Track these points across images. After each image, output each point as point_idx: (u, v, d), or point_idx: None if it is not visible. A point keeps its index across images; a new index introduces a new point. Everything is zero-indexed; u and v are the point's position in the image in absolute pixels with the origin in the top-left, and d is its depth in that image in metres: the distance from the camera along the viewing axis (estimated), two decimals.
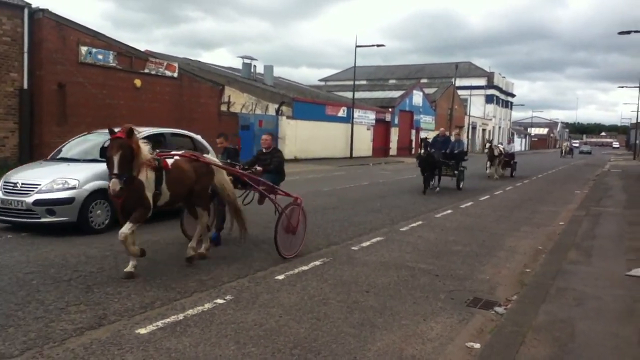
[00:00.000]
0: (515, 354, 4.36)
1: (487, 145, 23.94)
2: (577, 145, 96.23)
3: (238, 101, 31.90)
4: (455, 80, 63.35)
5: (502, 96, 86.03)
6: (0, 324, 4.74)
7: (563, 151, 60.90)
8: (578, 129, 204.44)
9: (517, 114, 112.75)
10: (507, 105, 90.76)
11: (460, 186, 17.80)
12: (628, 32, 28.67)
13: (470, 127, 68.39)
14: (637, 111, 54.45)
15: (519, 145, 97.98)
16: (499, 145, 24.83)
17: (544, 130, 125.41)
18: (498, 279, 6.96)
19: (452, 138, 19.61)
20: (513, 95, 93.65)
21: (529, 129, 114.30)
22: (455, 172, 17.90)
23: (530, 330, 4.86)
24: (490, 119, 79.07)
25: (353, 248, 8.39)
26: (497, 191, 18.17)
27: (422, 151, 16.02)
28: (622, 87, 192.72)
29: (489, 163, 23.81)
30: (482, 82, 77.60)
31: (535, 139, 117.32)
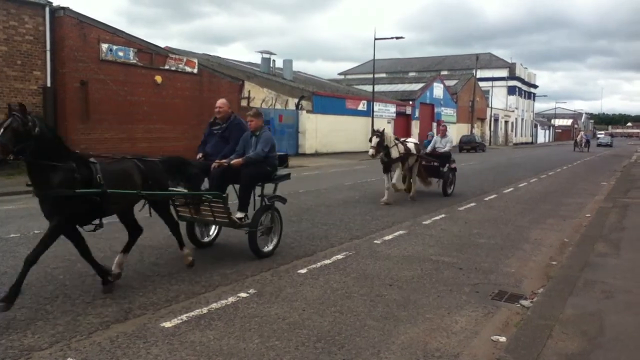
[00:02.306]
0: (543, 347, 4.29)
1: (375, 138, 12.19)
2: (601, 135, 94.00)
3: (258, 96, 31.97)
4: (476, 72, 62.62)
5: (525, 87, 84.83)
6: (30, 317, 4.82)
7: (577, 144, 52.39)
8: (603, 120, 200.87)
9: (540, 105, 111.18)
10: (530, 96, 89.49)
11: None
12: None
13: (493, 119, 67.59)
14: None
15: (542, 136, 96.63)
16: (409, 140, 13.67)
17: (568, 122, 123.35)
18: (524, 272, 6.86)
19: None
20: (536, 87, 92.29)
21: (552, 121, 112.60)
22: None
23: (558, 324, 4.78)
24: (513, 111, 78.03)
25: (376, 242, 8.35)
26: (521, 183, 17.94)
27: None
28: None
29: (385, 174, 12.88)
30: (503, 73, 76.62)
31: (560, 131, 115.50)
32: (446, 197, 13.85)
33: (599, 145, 69.29)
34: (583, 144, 51.51)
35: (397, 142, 12.72)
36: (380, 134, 12.21)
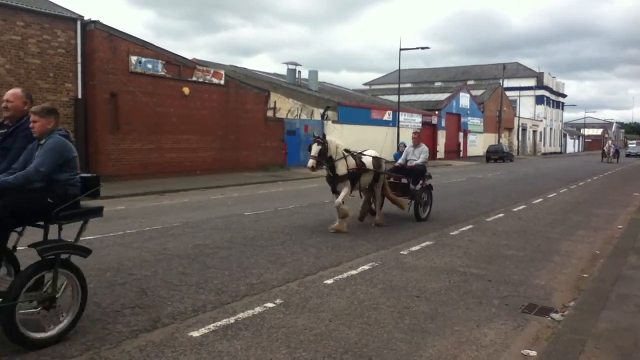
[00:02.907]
0: None
1: (316, 145, 9.96)
2: (632, 144, 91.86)
3: (284, 107, 32.16)
4: (503, 81, 62.07)
5: (553, 97, 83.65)
6: None
7: (605, 154, 48.20)
8: (634, 129, 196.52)
9: (569, 115, 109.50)
10: (558, 105, 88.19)
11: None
12: None
13: (520, 128, 66.77)
14: None
15: (571, 146, 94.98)
16: (366, 153, 11.20)
17: (598, 131, 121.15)
18: (554, 285, 6.73)
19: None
20: (564, 96, 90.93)
21: (581, 130, 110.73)
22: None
23: (590, 338, 4.67)
24: (541, 120, 76.98)
25: (402, 252, 8.28)
26: (550, 194, 17.65)
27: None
28: None
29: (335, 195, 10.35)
30: (531, 82, 75.68)
31: (589, 140, 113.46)
32: (473, 209, 13.66)
33: (628, 155, 66.00)
34: (611, 154, 47.70)
35: (347, 154, 10.25)
36: (322, 141, 9.85)
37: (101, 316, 5.16)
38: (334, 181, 10.15)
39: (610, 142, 52.16)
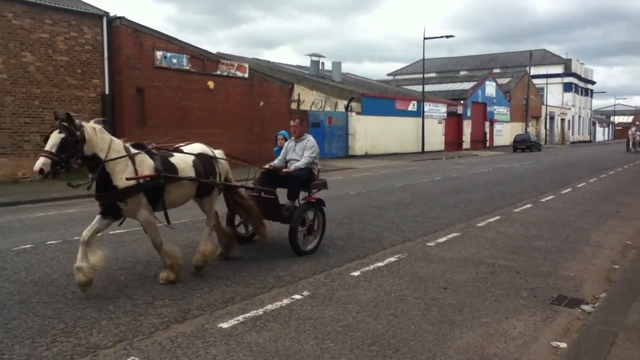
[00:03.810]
0: (606, 355, 4.15)
1: (56, 135, 5.36)
2: None
3: (307, 99, 32.20)
4: (530, 69, 61.09)
5: (581, 84, 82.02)
6: (95, 317, 5.02)
7: (630, 143, 42.34)
8: None
9: (597, 102, 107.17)
10: (587, 93, 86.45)
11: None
12: None
13: (548, 117, 65.67)
14: None
15: (601, 134, 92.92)
16: (187, 150, 6.88)
17: (628, 119, 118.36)
18: (584, 276, 6.64)
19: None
20: (593, 83, 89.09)
21: (611, 118, 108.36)
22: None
23: (622, 330, 4.61)
24: (569, 108, 75.59)
25: (428, 244, 8.26)
26: (579, 183, 17.36)
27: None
28: None
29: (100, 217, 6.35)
30: (558, 69, 74.36)
31: (620, 128, 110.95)
32: (500, 199, 13.50)
33: None
34: (637, 144, 41.67)
35: (137, 151, 6.23)
36: (68, 126, 5.42)
37: (133, 308, 5.27)
38: (111, 199, 5.96)
39: (634, 128, 44.68)
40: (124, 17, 18.54)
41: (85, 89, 17.67)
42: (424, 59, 38.13)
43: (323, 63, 39.37)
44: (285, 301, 5.51)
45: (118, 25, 18.39)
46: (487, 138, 50.97)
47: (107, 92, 18.20)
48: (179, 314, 5.12)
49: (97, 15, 17.98)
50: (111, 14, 18.34)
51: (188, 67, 20.65)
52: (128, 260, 7.07)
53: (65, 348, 4.34)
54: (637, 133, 41.81)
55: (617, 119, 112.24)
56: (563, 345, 4.50)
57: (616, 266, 7.07)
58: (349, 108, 32.16)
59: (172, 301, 5.49)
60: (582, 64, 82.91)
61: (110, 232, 8.92)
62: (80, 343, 4.43)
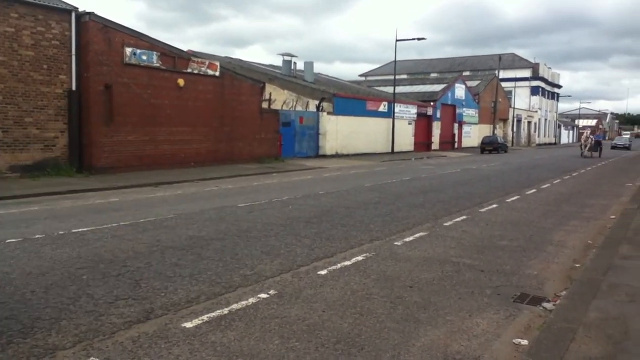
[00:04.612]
0: (565, 351, 4.23)
1: None
2: (627, 135, 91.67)
3: (279, 98, 32.09)
4: (498, 72, 62.03)
5: (548, 87, 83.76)
6: (54, 317, 4.90)
7: (584, 147, 39.05)
8: (629, 120, 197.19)
9: (563, 106, 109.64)
10: (553, 96, 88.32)
11: None
12: None
13: (515, 119, 66.85)
14: None
15: (566, 137, 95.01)
16: None
17: (592, 122, 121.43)
18: (546, 275, 6.77)
19: None
20: (559, 87, 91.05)
21: (576, 121, 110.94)
22: None
23: (581, 327, 4.71)
24: (536, 111, 77.10)
25: (396, 243, 8.31)
26: (543, 185, 17.71)
27: None
28: None
29: None
30: (526, 73, 75.81)
31: (599, 132, 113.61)
32: (467, 199, 13.69)
33: (614, 147, 60.06)
34: (588, 147, 38.53)
35: None
36: None
37: (94, 308, 5.17)
38: None
39: (588, 131, 43.05)
40: (93, 12, 18.16)
41: (52, 85, 17.27)
42: (395, 61, 38.40)
43: (295, 63, 39.33)
44: (251, 300, 5.47)
45: (87, 21, 18.01)
46: (456, 139, 51.63)
47: (74, 88, 17.81)
48: (142, 314, 5.04)
49: (66, 10, 17.58)
50: (80, 10, 17.97)
51: (158, 65, 20.36)
52: (90, 259, 6.92)
53: (22, 350, 4.22)
54: (591, 137, 39.75)
55: (582, 122, 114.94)
56: (524, 342, 4.58)
57: (577, 265, 7.23)
58: (321, 108, 32.18)
59: (135, 301, 5.40)
60: (550, 68, 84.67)
61: (73, 230, 8.76)
62: (38, 344, 4.32)
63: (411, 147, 41.70)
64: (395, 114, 37.96)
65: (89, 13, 18.05)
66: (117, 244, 7.87)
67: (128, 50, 19.12)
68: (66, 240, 8.14)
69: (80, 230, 8.84)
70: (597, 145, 39.25)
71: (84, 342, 4.36)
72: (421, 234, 9.08)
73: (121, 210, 11.19)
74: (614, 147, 59.28)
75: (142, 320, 4.87)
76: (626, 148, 59.02)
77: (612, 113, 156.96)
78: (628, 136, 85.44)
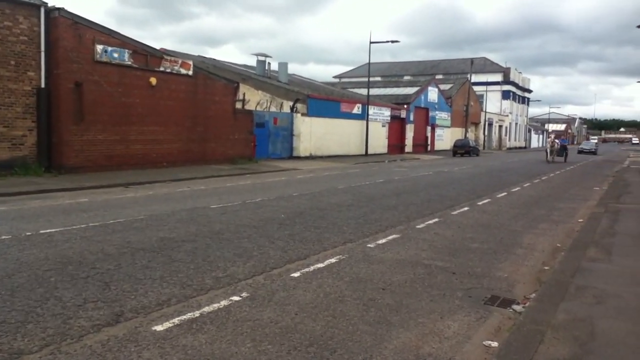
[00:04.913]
0: (534, 353, 4.30)
1: None
2: (594, 140, 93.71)
3: (253, 99, 31.95)
4: (470, 76, 62.86)
5: (519, 92, 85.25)
6: (20, 320, 4.78)
7: (549, 153, 37.77)
8: (596, 125, 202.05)
9: (533, 110, 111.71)
10: (524, 101, 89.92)
11: None
12: None
13: (487, 123, 67.84)
14: None
15: (536, 141, 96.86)
16: None
17: (561, 127, 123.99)
18: (516, 277, 6.88)
19: None
20: (530, 91, 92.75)
21: (546, 125, 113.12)
22: None
23: (550, 329, 4.79)
24: (507, 115, 78.35)
25: (369, 245, 8.35)
26: (514, 188, 18.00)
27: None
28: None
29: None
30: (498, 77, 77.02)
31: (557, 136, 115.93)
32: (439, 202, 13.83)
33: (580, 152, 59.91)
34: (555, 153, 37.65)
35: None
36: None
37: (62, 310, 5.06)
38: None
39: (553, 136, 42.00)
40: (63, 8, 17.81)
41: (19, 82, 16.87)
42: (369, 63, 38.60)
43: (269, 63, 39.22)
44: (223, 303, 5.42)
45: (56, 17, 17.65)
46: (429, 142, 52.14)
47: (43, 85, 17.43)
48: (112, 317, 4.95)
49: (34, 5, 17.20)
50: (49, 5, 17.60)
51: (130, 63, 20.07)
52: (59, 261, 6.78)
53: None
54: (557, 141, 39.02)
55: (552, 127, 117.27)
56: (494, 344, 4.64)
57: (546, 267, 7.36)
58: (295, 109, 32.15)
59: (105, 303, 5.30)
60: (520, 72, 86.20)
61: (41, 231, 8.58)
62: (3, 349, 4.20)
63: (385, 150, 41.95)
64: (369, 116, 38.16)
65: (58, 9, 17.69)
66: (86, 246, 7.72)
67: (99, 47, 18.81)
68: (34, 241, 7.95)
69: (48, 231, 8.66)
70: (562, 150, 38.87)
71: (51, 346, 4.27)
72: (394, 236, 9.13)
73: (90, 211, 11.00)
74: (580, 152, 59.49)
75: (111, 324, 4.79)
76: (592, 153, 59.16)
77: (580, 118, 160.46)
78: (595, 141, 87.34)
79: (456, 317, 5.31)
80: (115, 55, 19.44)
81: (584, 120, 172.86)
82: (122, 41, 19.88)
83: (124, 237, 8.31)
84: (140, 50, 20.56)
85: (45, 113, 17.47)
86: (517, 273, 7.08)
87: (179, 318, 4.96)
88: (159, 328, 4.71)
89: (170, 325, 4.79)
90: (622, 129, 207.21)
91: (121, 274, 6.34)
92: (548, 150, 38.33)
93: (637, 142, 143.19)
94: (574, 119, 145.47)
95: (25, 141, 17.02)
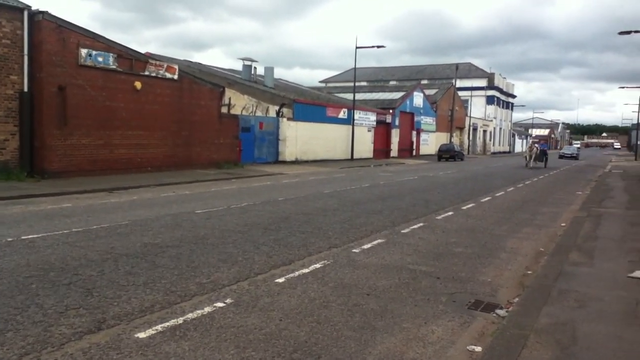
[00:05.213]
0: (518, 357, 4.32)
1: None
2: (577, 145, 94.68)
3: (238, 103, 31.87)
4: (455, 81, 63.33)
5: (503, 97, 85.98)
6: None
7: (528, 158, 36.56)
8: (579, 130, 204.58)
9: (517, 115, 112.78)
10: (508, 106, 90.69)
11: None
12: (628, 32, 28.63)
13: (471, 128, 68.33)
14: (638, 112, 54.27)
15: (519, 146, 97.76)
16: None
17: (545, 132, 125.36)
18: (500, 281, 6.92)
19: None
20: (514, 96, 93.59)
21: (529, 130, 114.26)
22: None
23: (533, 333, 4.83)
24: (491, 120, 78.99)
25: (354, 250, 8.35)
26: (498, 192, 18.14)
27: None
28: (623, 87, 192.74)
29: None
30: (482, 83, 77.62)
31: (537, 140, 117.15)
32: (424, 206, 13.89)
33: (561, 157, 59.17)
34: (534, 157, 36.22)
35: None
36: None
37: (43, 318, 5.00)
38: None
39: (531, 140, 40.17)
40: (46, 11, 17.64)
41: (2, 85, 16.67)
42: (355, 68, 38.72)
43: (255, 67, 39.14)
44: (207, 309, 5.39)
45: (40, 20, 17.48)
46: (414, 147, 52.38)
47: (25, 89, 17.24)
48: (94, 324, 4.90)
49: (17, 8, 17.02)
50: (33, 8, 17.43)
51: (114, 67, 19.93)
52: (40, 267, 6.70)
53: None
54: (536, 146, 37.46)
55: (535, 132, 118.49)
56: (478, 349, 4.66)
57: (529, 272, 7.42)
58: (280, 114, 32.12)
59: (87, 310, 5.24)
60: (505, 78, 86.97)
61: (22, 237, 8.47)
62: None
63: (370, 154, 42.06)
64: (355, 121, 38.24)
65: (42, 12, 17.53)
66: (68, 252, 7.64)
67: (83, 51, 18.66)
68: (15, 247, 7.85)
69: (30, 237, 8.55)
70: (542, 155, 37.49)
71: (31, 355, 4.21)
72: (379, 241, 9.15)
73: (73, 216, 10.88)
74: (561, 157, 58.61)
75: (93, 331, 4.74)
76: (574, 158, 57.88)
77: (563, 123, 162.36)
78: (578, 145, 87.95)
79: (440, 322, 5.33)
80: (100, 59, 19.30)
81: (567, 125, 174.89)
82: (107, 45, 19.74)
83: (107, 243, 8.24)
84: (125, 54, 20.43)
85: (28, 117, 17.27)
86: (500, 277, 7.13)
87: (162, 325, 4.92)
88: (141, 335, 4.67)
89: (154, 332, 4.75)
90: (604, 134, 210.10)
91: (104, 280, 6.28)
92: (527, 156, 37.15)
93: (619, 146, 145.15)
94: (557, 124, 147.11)
95: (7, 145, 16.81)
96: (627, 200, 15.72)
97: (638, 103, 53.93)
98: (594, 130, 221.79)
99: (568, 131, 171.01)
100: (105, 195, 14.69)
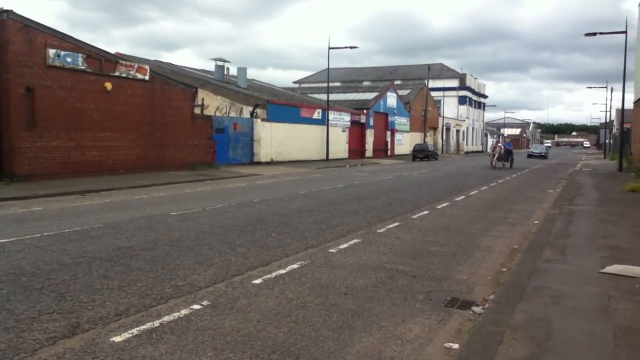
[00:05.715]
0: (494, 353, 4.37)
1: None
2: (547, 144, 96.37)
3: (212, 104, 31.64)
4: (428, 82, 63.95)
5: (475, 97, 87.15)
6: None
7: (492, 157, 35.08)
8: (550, 129, 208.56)
9: (489, 115, 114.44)
10: (480, 106, 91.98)
11: None
12: (594, 34, 29.21)
13: (445, 128, 69.08)
14: (606, 111, 55.53)
15: (492, 145, 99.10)
16: None
17: (516, 131, 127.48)
18: (475, 279, 7.00)
19: None
20: (485, 97, 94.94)
21: (501, 130, 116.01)
22: None
23: (509, 330, 4.89)
24: (464, 120, 79.98)
25: (331, 250, 8.35)
26: (472, 191, 18.35)
27: None
28: (590, 87, 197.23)
29: None
30: (454, 83, 78.60)
31: (508, 140, 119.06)
32: (399, 206, 13.98)
33: (530, 156, 57.85)
34: (497, 157, 34.52)
35: None
36: None
37: (15, 323, 4.88)
38: None
39: (495, 140, 38.34)
40: (11, 10, 17.25)
41: None
42: (328, 68, 38.79)
43: (228, 68, 38.96)
44: (184, 312, 5.33)
45: (5, 19, 17.09)
46: (389, 147, 52.74)
47: None
48: (68, 329, 4.80)
49: None
50: None
51: (84, 67, 19.60)
52: (11, 272, 6.54)
53: None
54: (500, 145, 35.85)
55: (507, 131, 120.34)
56: (455, 346, 4.70)
57: (504, 269, 7.51)
58: (255, 114, 32.00)
59: (60, 315, 5.14)
60: (476, 78, 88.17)
61: None
62: None
63: (345, 155, 42.20)
64: (330, 122, 38.31)
65: (6, 11, 17.12)
66: (40, 256, 7.48)
67: (51, 51, 18.31)
68: None
69: (0, 241, 8.35)
70: (507, 155, 35.51)
71: None
72: (355, 240, 9.17)
73: (44, 219, 10.66)
74: (530, 156, 57.20)
75: (67, 336, 4.64)
76: (543, 157, 56.34)
77: (534, 122, 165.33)
78: (548, 144, 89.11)
79: (417, 320, 5.36)
80: (69, 59, 18.96)
81: (538, 125, 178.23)
82: (76, 45, 19.40)
83: (80, 247, 8.09)
84: (94, 55, 20.11)
85: None
86: (476, 275, 7.20)
87: (138, 328, 4.84)
88: (117, 339, 4.59)
89: (129, 335, 4.67)
90: (574, 133, 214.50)
91: (77, 284, 6.16)
92: (492, 156, 35.54)
93: (588, 145, 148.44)
94: (528, 124, 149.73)
95: None
96: (597, 198, 16.06)
97: (605, 103, 55.12)
98: (565, 129, 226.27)
99: (539, 130, 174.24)
100: (77, 198, 14.44)
